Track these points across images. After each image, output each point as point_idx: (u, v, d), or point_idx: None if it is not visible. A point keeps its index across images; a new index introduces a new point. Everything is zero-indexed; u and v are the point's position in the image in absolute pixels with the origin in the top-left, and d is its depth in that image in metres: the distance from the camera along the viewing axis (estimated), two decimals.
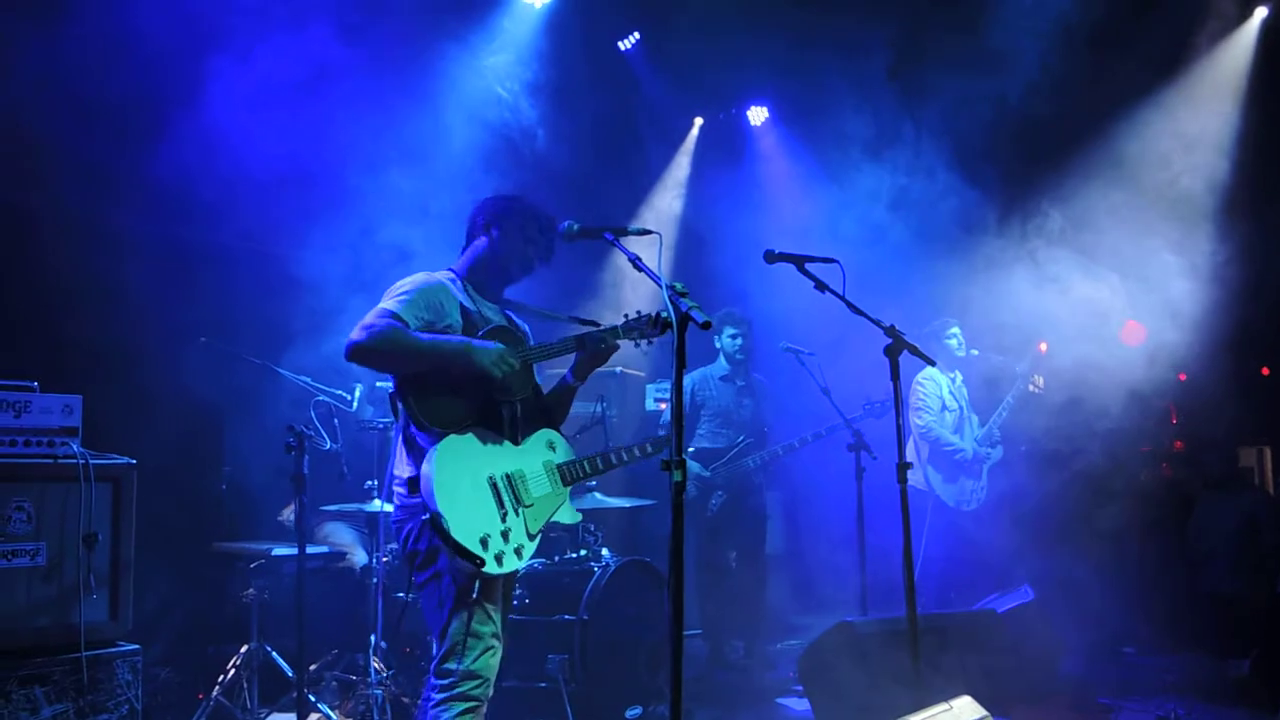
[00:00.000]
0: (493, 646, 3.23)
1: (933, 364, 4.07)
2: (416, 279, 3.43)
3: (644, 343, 3.69)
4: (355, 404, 5.40)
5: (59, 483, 3.75)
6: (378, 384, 5.34)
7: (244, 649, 4.82)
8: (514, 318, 3.65)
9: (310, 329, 5.47)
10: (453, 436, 3.26)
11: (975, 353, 6.74)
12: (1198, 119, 7.14)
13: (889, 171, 7.20)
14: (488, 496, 3.28)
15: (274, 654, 4.87)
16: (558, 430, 3.63)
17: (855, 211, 7.21)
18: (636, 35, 7.91)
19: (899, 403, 3.79)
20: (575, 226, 3.31)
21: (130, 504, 3.89)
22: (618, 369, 6.73)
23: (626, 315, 3.76)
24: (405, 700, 4.85)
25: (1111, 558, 6.79)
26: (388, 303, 3.29)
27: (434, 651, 3.24)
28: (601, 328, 3.60)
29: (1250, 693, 5.27)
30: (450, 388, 3.29)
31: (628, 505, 5.78)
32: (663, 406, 7.29)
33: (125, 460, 3.94)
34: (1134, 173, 6.97)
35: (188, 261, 5.64)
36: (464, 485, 3.23)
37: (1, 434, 3.70)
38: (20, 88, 4.86)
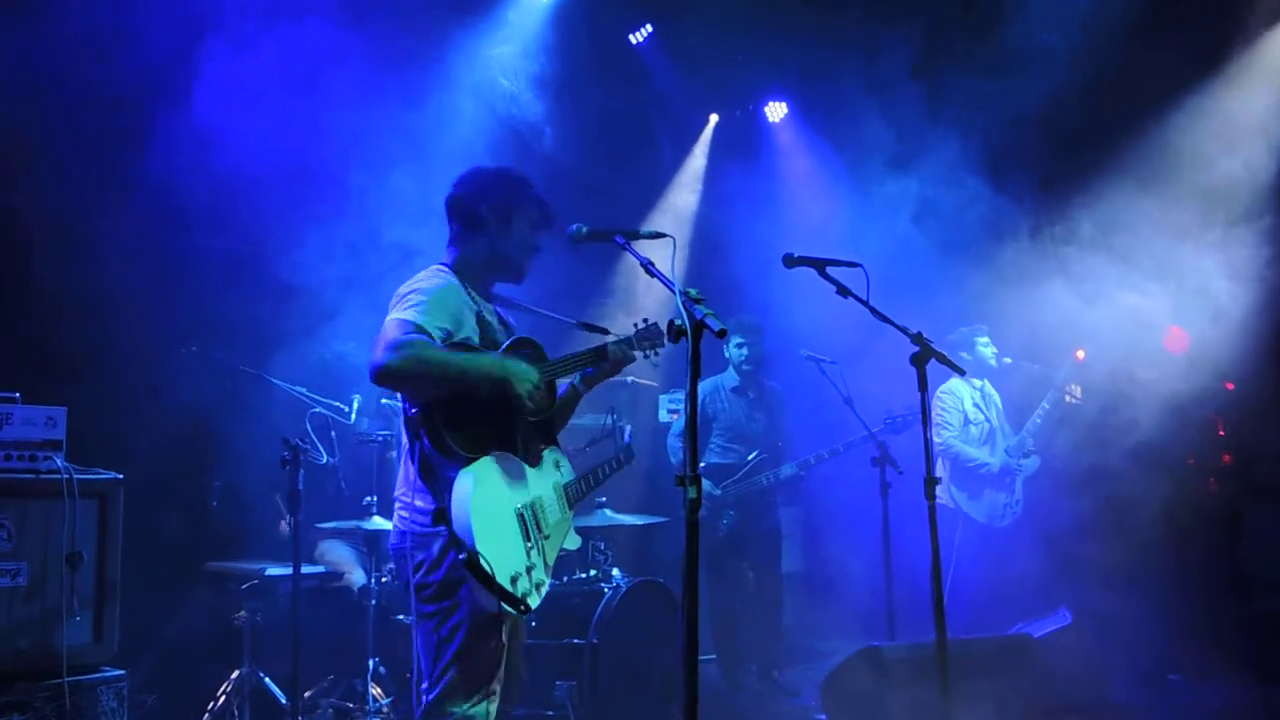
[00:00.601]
0: (494, 692, 3.17)
1: (962, 373, 4.06)
2: (429, 280, 3.27)
3: (652, 354, 3.68)
4: (353, 416, 5.44)
5: (41, 499, 3.74)
6: (384, 400, 5.35)
7: (235, 674, 4.82)
8: (505, 317, 3.54)
9: (306, 336, 5.50)
10: (482, 463, 3.14)
11: (1009, 361, 6.72)
12: (1245, 109, 7.08)
13: (914, 172, 7.19)
14: (516, 530, 3.21)
15: (267, 680, 4.87)
16: (556, 443, 3.57)
17: (879, 213, 7.19)
18: (649, 28, 7.92)
19: (926, 414, 3.76)
20: (584, 229, 3.27)
21: (117, 521, 3.89)
22: (629, 379, 6.71)
23: (636, 324, 3.74)
24: None
25: (1155, 578, 6.73)
26: (406, 312, 3.11)
27: (425, 685, 3.16)
28: (617, 338, 3.55)
29: None
30: (478, 408, 3.16)
31: (639, 523, 5.78)
32: (676, 417, 7.29)
33: (111, 475, 3.94)
34: (1171, 170, 6.93)
35: (177, 266, 5.66)
36: (498, 519, 3.15)
37: None
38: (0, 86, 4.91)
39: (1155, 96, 7.12)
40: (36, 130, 4.97)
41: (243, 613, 4.86)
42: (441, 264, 3.43)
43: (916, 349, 3.77)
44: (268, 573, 4.93)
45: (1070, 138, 7.32)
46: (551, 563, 3.34)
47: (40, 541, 3.73)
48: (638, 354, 3.65)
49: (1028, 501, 6.64)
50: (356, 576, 5.44)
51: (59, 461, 3.79)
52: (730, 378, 6.64)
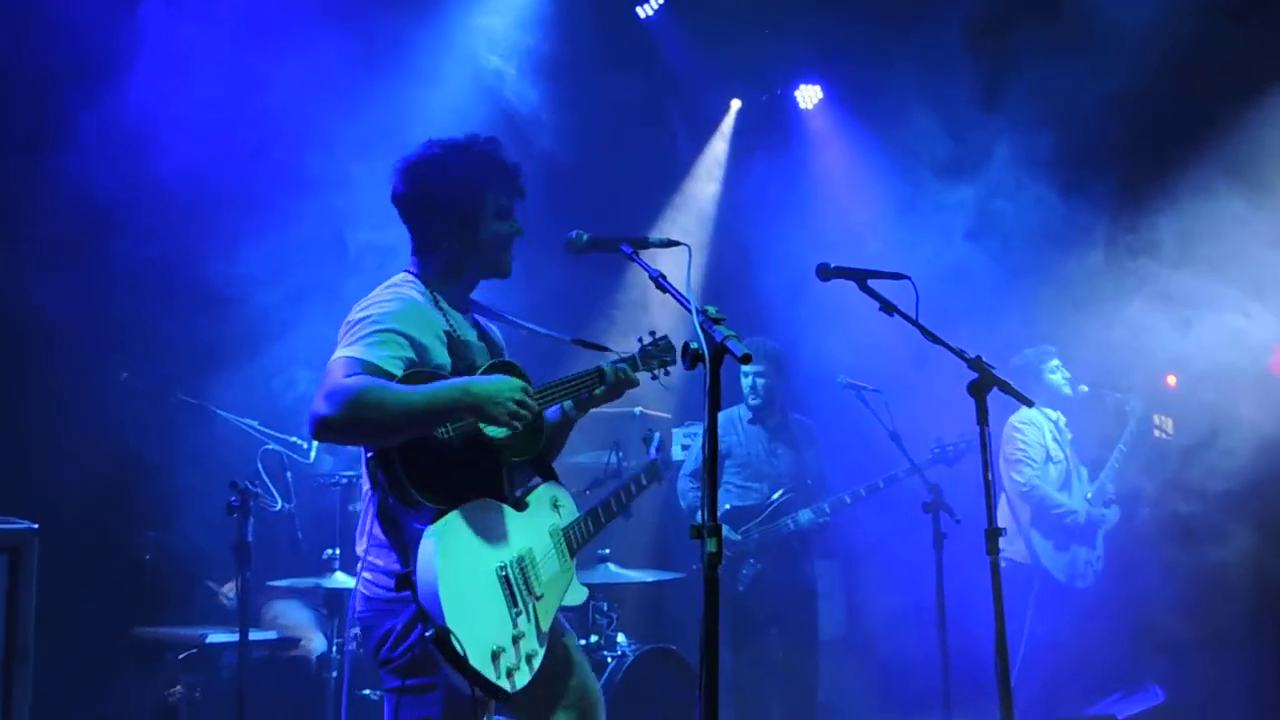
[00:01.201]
0: None
1: (1030, 404, 4.02)
2: (385, 299, 3.20)
3: (661, 373, 3.64)
4: (313, 454, 5.43)
5: None
6: None
7: None
8: (487, 329, 3.49)
9: (258, 360, 5.47)
10: (449, 520, 3.06)
11: (1085, 389, 6.68)
12: None
13: (972, 169, 7.18)
14: (499, 595, 3.15)
15: None
16: (554, 475, 3.51)
17: (930, 216, 7.18)
18: (659, 0, 7.95)
19: (987, 452, 3.71)
20: (585, 236, 3.26)
21: (30, 579, 3.82)
22: (637, 409, 6.67)
23: (641, 339, 3.70)
24: None
25: (1261, 649, 6.68)
26: (352, 348, 3.04)
27: None
28: (620, 356, 3.52)
29: None
30: (448, 449, 3.09)
31: (649, 580, 5.73)
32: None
33: (25, 525, 3.88)
34: (1270, 170, 6.91)
35: (104, 278, 5.64)
36: (473, 584, 3.08)
37: None
38: None
39: (1253, 83, 7.12)
40: None
41: (179, 688, 4.85)
42: (407, 271, 3.38)
43: (975, 376, 3.73)
44: (209, 639, 4.91)
45: (1154, 131, 7.31)
46: (547, 627, 3.28)
47: None
48: (644, 375, 3.60)
49: (1109, 556, 6.58)
50: (315, 643, 5.39)
51: None
52: (747, 407, 6.64)
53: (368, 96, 6.02)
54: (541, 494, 3.43)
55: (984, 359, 3.77)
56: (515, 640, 3.14)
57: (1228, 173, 6.90)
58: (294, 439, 5.27)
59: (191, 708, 4.85)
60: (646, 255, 3.20)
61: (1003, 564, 3.70)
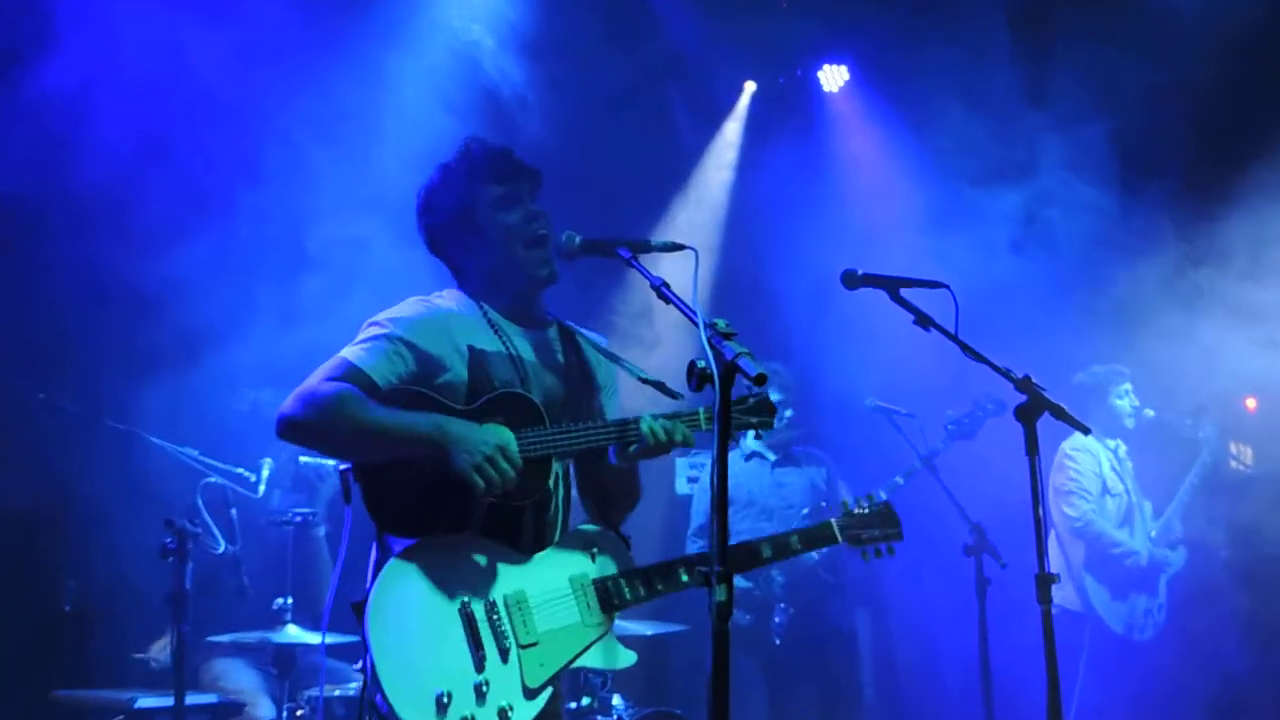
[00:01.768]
0: None
1: (1086, 431, 4.03)
2: (403, 307, 3.36)
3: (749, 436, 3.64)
4: (261, 487, 5.41)
5: None
6: (303, 459, 5.34)
7: None
8: (578, 343, 3.57)
9: (198, 378, 5.46)
10: (423, 545, 3.18)
11: (1150, 413, 6.70)
12: None
13: (1021, 163, 7.20)
14: (456, 634, 3.16)
15: None
16: (617, 529, 3.51)
17: (973, 216, 7.19)
18: None
19: (1037, 486, 3.71)
20: (577, 239, 3.29)
21: None
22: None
23: (696, 368, 3.66)
24: None
25: None
26: (350, 348, 3.23)
27: None
28: (685, 412, 3.38)
29: None
30: (424, 478, 3.17)
31: (649, 633, 5.74)
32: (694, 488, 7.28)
33: None
34: None
35: (19, 283, 5.66)
36: (424, 617, 3.13)
37: None
38: None
39: None
40: None
41: None
42: (459, 287, 3.52)
43: (1023, 398, 3.73)
44: (139, 704, 4.88)
45: (1219, 126, 7.34)
46: (540, 681, 3.23)
47: None
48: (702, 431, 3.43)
49: (1173, 603, 6.59)
50: (262, 709, 5.35)
51: None
52: (748, 444, 6.70)
53: (324, 68, 6.00)
54: (576, 537, 3.44)
55: (1033, 379, 3.76)
56: (478, 689, 3.13)
57: None
58: (240, 470, 5.26)
59: None
60: (647, 260, 3.21)
61: (1054, 611, 3.72)
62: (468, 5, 6.79)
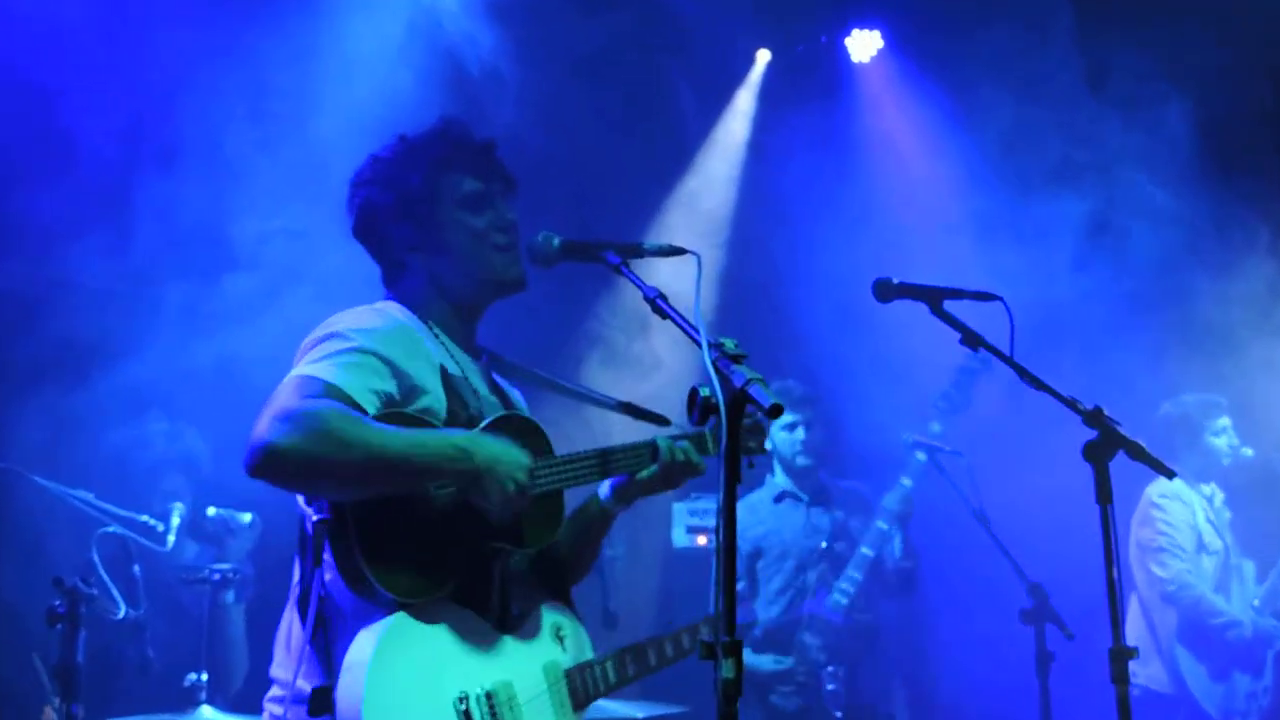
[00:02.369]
0: None
1: (1171, 475, 4.01)
2: (359, 316, 3.25)
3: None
4: (170, 538, 5.35)
5: None
6: (213, 511, 5.29)
7: None
8: (503, 386, 3.56)
9: (94, 404, 5.38)
10: (402, 617, 3.07)
11: (1249, 453, 6.67)
12: None
13: (1086, 159, 7.21)
14: None
15: None
16: (568, 602, 3.53)
17: (1030, 217, 7.19)
18: None
19: (1110, 540, 3.67)
20: (556, 241, 3.27)
21: None
22: None
23: (696, 399, 3.64)
24: None
25: None
26: (312, 366, 3.07)
27: None
28: (683, 432, 3.49)
29: None
30: (427, 523, 3.11)
31: (641, 716, 5.69)
32: (701, 541, 7.22)
33: None
34: None
35: None
36: (417, 709, 3.07)
37: None
38: None
39: None
40: None
41: None
42: (389, 296, 3.45)
43: (1094, 434, 3.72)
44: None
45: None
46: None
47: None
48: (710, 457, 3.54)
49: (1277, 688, 6.59)
50: None
51: None
52: (773, 484, 6.67)
53: (249, 31, 6.04)
54: (545, 618, 3.44)
55: (1105, 412, 3.74)
56: None
57: None
58: (144, 518, 5.22)
59: None
60: (640, 267, 3.21)
61: (1134, 692, 3.68)
62: None
